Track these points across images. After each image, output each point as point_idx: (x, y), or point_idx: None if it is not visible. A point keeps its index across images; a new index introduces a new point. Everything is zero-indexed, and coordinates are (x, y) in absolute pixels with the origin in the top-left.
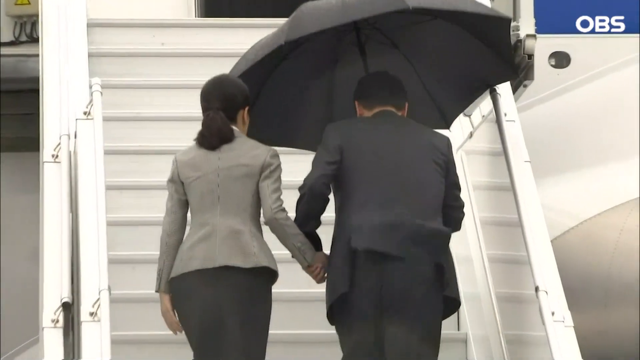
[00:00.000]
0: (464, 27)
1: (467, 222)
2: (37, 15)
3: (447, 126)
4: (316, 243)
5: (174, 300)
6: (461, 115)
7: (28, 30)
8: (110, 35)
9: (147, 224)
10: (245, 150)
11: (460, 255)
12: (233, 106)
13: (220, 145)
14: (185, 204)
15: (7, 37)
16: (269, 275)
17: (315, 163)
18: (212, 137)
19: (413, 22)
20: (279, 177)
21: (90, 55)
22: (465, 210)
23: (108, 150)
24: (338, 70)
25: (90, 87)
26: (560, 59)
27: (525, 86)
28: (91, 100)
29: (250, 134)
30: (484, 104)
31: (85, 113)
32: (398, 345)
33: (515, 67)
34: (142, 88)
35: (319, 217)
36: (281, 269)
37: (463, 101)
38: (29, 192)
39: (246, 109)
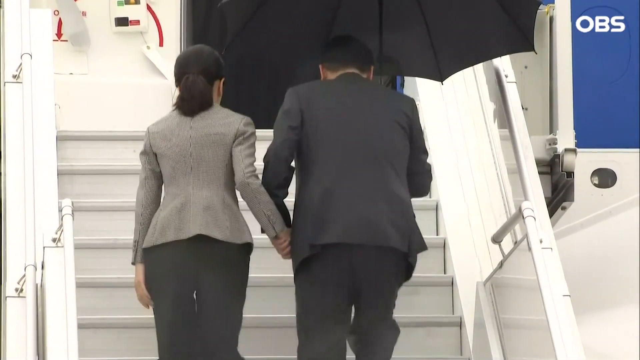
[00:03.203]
0: None
1: None
2: None
3: (441, 79)
4: (286, 218)
5: (146, 270)
6: (490, 242)
7: None
8: (83, 150)
9: None
10: (218, 118)
11: None
12: (210, 74)
13: (200, 111)
14: (158, 176)
15: None
16: (243, 247)
17: (277, 129)
18: (192, 101)
19: None
20: (253, 144)
21: (60, 173)
22: (494, 354)
23: (80, 283)
24: (342, 8)
25: (60, 210)
26: (605, 177)
27: (564, 209)
28: (61, 226)
29: (242, 49)
30: (517, 229)
31: (54, 240)
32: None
33: (532, 40)
34: (119, 211)
35: (286, 186)
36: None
37: (464, 60)
38: None
39: (222, 80)
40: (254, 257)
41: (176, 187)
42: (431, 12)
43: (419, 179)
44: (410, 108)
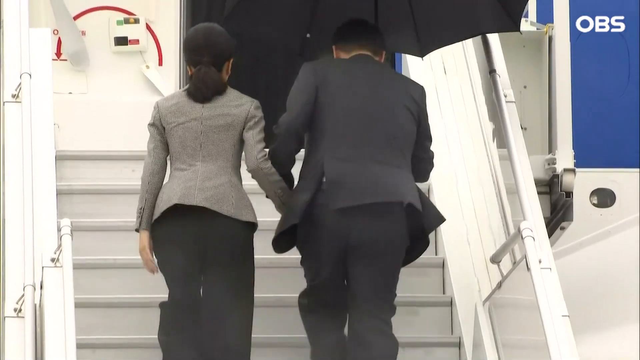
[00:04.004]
0: None
1: None
2: None
3: (421, 55)
4: (290, 183)
5: (155, 240)
6: (488, 262)
7: None
8: (82, 170)
9: None
10: (229, 100)
11: None
12: (221, 59)
13: (212, 97)
14: (166, 147)
15: None
16: (247, 225)
17: (290, 103)
18: (207, 91)
19: None
20: (263, 129)
21: (59, 192)
22: None
23: (79, 302)
24: None
25: (59, 229)
26: (604, 197)
27: (563, 228)
28: (60, 245)
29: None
30: (516, 249)
31: (53, 260)
32: (363, 282)
33: (518, 21)
34: (118, 230)
35: (294, 156)
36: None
37: (446, 37)
38: None
39: (231, 60)
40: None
41: (184, 163)
42: None
43: (422, 164)
44: (419, 94)
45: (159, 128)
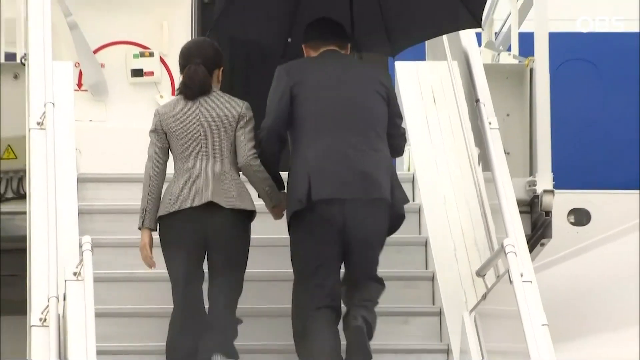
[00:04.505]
0: None
1: None
2: (24, 171)
3: (393, 54)
4: (279, 183)
5: (162, 235)
6: (474, 275)
7: (14, 186)
8: (102, 191)
9: None
10: (222, 102)
11: None
12: (211, 64)
13: (200, 95)
14: (166, 152)
15: None
16: (247, 214)
17: (269, 107)
18: (194, 87)
19: None
20: (252, 128)
21: (80, 212)
22: None
23: (100, 313)
24: None
25: (81, 246)
26: (580, 216)
27: (542, 245)
28: (81, 260)
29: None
30: (499, 264)
31: (75, 274)
32: (357, 263)
33: (479, 18)
34: (135, 247)
35: (279, 155)
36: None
37: (414, 36)
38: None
39: (221, 69)
40: (255, 289)
41: (187, 162)
42: None
43: (396, 141)
44: (387, 79)
45: (161, 133)
